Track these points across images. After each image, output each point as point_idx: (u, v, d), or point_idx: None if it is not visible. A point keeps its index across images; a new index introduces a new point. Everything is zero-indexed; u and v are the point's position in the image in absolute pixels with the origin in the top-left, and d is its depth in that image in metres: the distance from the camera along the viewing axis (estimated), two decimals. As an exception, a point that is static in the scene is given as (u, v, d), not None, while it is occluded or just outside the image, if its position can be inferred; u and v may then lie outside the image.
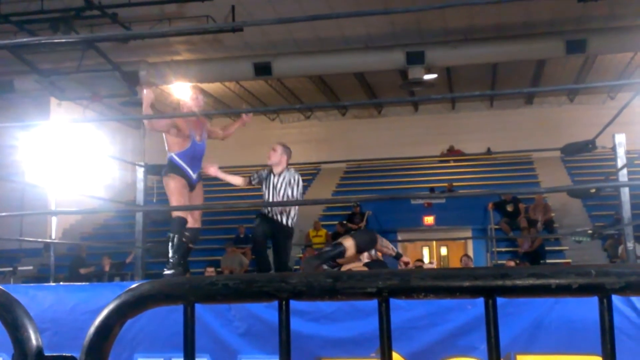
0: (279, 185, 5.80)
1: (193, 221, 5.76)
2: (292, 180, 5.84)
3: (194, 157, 5.67)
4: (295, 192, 5.83)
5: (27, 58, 13.29)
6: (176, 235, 5.56)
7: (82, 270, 12.59)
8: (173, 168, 5.58)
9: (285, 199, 5.73)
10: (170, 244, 5.57)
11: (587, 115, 17.49)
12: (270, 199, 5.76)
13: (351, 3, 12.01)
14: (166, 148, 5.71)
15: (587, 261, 12.46)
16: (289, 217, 5.84)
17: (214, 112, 20.55)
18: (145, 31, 12.28)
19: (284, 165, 5.98)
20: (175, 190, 5.53)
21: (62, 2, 11.88)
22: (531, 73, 16.92)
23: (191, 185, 5.64)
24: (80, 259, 13.04)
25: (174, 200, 5.54)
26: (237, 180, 6.16)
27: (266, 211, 5.80)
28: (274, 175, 5.89)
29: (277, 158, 5.96)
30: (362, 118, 21.26)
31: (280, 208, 5.75)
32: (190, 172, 5.63)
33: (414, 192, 16.67)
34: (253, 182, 6.05)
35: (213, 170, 5.94)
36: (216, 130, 6.19)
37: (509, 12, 12.83)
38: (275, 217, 5.78)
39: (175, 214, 5.57)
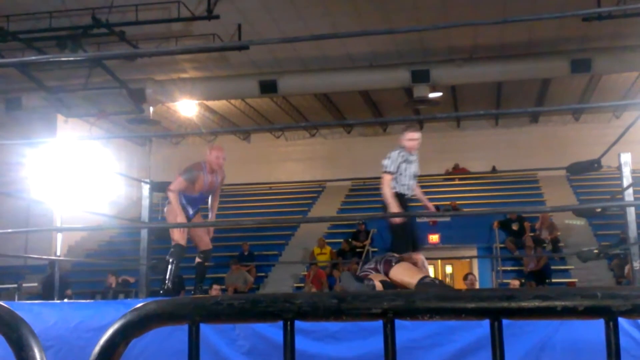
0: (414, 166, 6.00)
1: (204, 245, 6.28)
2: (417, 161, 6.07)
3: (197, 201, 6.19)
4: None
5: (35, 75, 13.39)
6: (174, 262, 5.99)
7: (69, 292, 12.54)
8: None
9: (415, 177, 5.98)
10: (168, 268, 5.86)
11: (593, 134, 17.48)
12: (411, 181, 5.94)
13: (356, 22, 12.09)
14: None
15: (593, 281, 12.39)
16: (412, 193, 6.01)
17: (220, 129, 20.63)
18: (152, 49, 12.40)
19: None
20: (176, 219, 5.99)
21: (69, 20, 11.99)
22: (536, 92, 16.95)
23: (188, 218, 6.13)
24: (61, 278, 12.91)
25: (175, 230, 6.01)
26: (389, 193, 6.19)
27: (409, 194, 5.93)
28: (412, 156, 6.02)
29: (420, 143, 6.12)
30: (367, 136, 21.31)
31: (413, 187, 5.96)
32: (190, 209, 6.13)
33: (418, 211, 16.63)
34: (393, 170, 5.96)
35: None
36: (217, 192, 6.40)
37: (513, 32, 12.89)
38: (409, 197, 5.97)
39: (176, 240, 6.01)
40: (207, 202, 6.33)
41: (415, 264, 5.31)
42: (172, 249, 6.05)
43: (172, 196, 5.97)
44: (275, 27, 12.33)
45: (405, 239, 5.78)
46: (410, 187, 5.93)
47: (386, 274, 5.04)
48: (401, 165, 5.89)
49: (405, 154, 5.93)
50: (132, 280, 12.43)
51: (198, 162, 6.17)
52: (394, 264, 5.07)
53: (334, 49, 13.70)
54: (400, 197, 5.85)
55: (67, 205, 10.96)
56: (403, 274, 4.96)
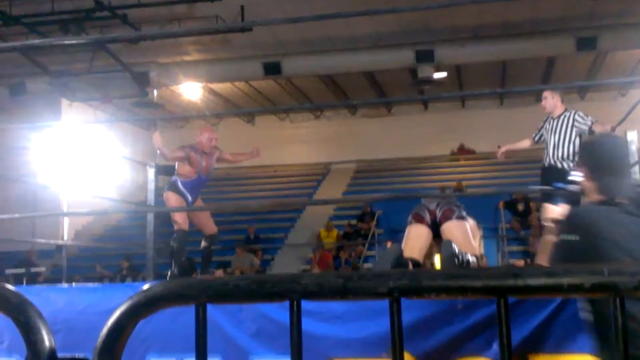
0: (558, 128, 5.66)
1: (210, 230, 6.30)
2: (569, 121, 5.64)
3: (196, 187, 6.16)
4: (571, 133, 5.61)
5: (39, 60, 13.37)
6: (177, 247, 6.06)
7: (40, 278, 12.61)
8: (174, 189, 6.09)
9: (565, 141, 5.61)
10: (171, 255, 5.90)
11: (598, 113, 17.16)
12: (552, 146, 5.65)
13: (360, 2, 12.00)
14: (175, 167, 6.18)
15: (599, 259, 12.38)
16: (565, 160, 5.67)
17: (223, 112, 20.61)
18: (155, 32, 12.34)
19: (561, 107, 5.83)
20: (176, 205, 6.05)
21: (72, 4, 11.94)
22: (541, 71, 16.84)
23: (187, 205, 6.14)
24: (31, 264, 12.97)
25: (177, 215, 6.03)
26: (525, 144, 6.22)
27: (546, 164, 5.74)
28: (553, 120, 5.75)
29: (551, 103, 5.84)
30: (371, 117, 21.25)
31: (559, 154, 5.66)
32: (189, 196, 6.10)
33: (424, 192, 16.64)
34: (536, 139, 6.06)
35: None
36: (227, 156, 6.53)
37: (518, 9, 12.77)
38: (555, 165, 5.67)
39: (178, 225, 6.04)
40: (201, 190, 6.34)
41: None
42: (174, 235, 6.08)
43: (163, 152, 5.91)
44: (278, 8, 12.25)
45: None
46: (550, 157, 5.63)
47: (440, 223, 4.41)
48: (541, 132, 5.79)
49: (546, 119, 5.76)
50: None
51: (190, 144, 6.18)
52: (453, 218, 4.38)
53: (337, 30, 13.61)
54: (545, 169, 5.65)
55: (74, 190, 10.99)
56: (460, 233, 4.26)
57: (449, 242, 4.20)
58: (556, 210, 2.76)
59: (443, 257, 4.19)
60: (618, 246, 1.99)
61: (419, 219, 4.51)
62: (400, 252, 4.12)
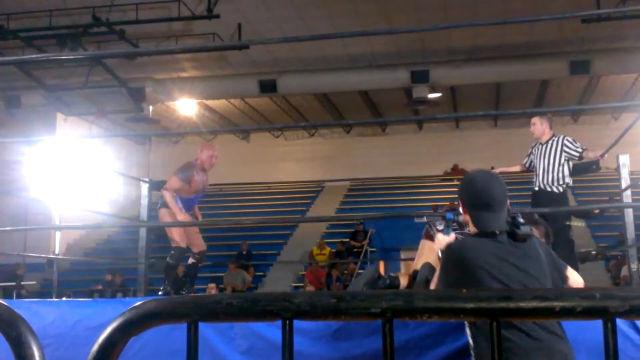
0: (547, 153, 5.74)
1: (198, 247, 6.21)
2: (558, 146, 5.73)
3: (191, 202, 6.16)
4: (560, 157, 5.69)
5: (34, 73, 13.37)
6: (173, 264, 6.03)
7: (24, 291, 12.55)
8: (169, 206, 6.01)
9: (555, 165, 5.68)
10: (166, 271, 5.88)
11: (591, 136, 17.43)
12: (542, 170, 5.73)
13: (356, 22, 12.09)
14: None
15: (590, 282, 12.37)
16: (554, 184, 5.71)
17: (219, 129, 20.63)
18: (152, 48, 12.38)
19: (549, 132, 5.91)
20: (173, 220, 5.95)
21: (70, 19, 11.98)
22: (535, 93, 16.95)
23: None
24: (17, 278, 12.91)
25: (174, 233, 5.96)
26: (516, 168, 6.28)
27: (536, 188, 5.77)
28: (541, 145, 5.83)
29: (540, 129, 5.90)
30: (366, 136, 21.31)
31: (549, 179, 5.71)
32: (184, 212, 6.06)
33: (417, 211, 16.64)
34: (527, 166, 6.09)
35: None
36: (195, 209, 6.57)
37: (513, 33, 12.89)
38: (545, 189, 5.73)
39: (176, 242, 5.99)
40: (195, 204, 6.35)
41: None
42: (172, 252, 6.04)
43: (168, 196, 5.90)
44: (275, 26, 12.32)
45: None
46: (540, 180, 5.68)
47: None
48: (530, 157, 5.83)
49: (534, 145, 5.83)
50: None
51: (190, 162, 6.12)
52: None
53: (333, 49, 13.69)
54: (535, 193, 5.67)
55: (66, 204, 10.94)
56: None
57: (428, 264, 4.19)
58: (446, 240, 2.85)
59: (418, 279, 4.17)
60: (488, 272, 2.20)
61: (429, 237, 4.55)
62: (375, 274, 4.08)
